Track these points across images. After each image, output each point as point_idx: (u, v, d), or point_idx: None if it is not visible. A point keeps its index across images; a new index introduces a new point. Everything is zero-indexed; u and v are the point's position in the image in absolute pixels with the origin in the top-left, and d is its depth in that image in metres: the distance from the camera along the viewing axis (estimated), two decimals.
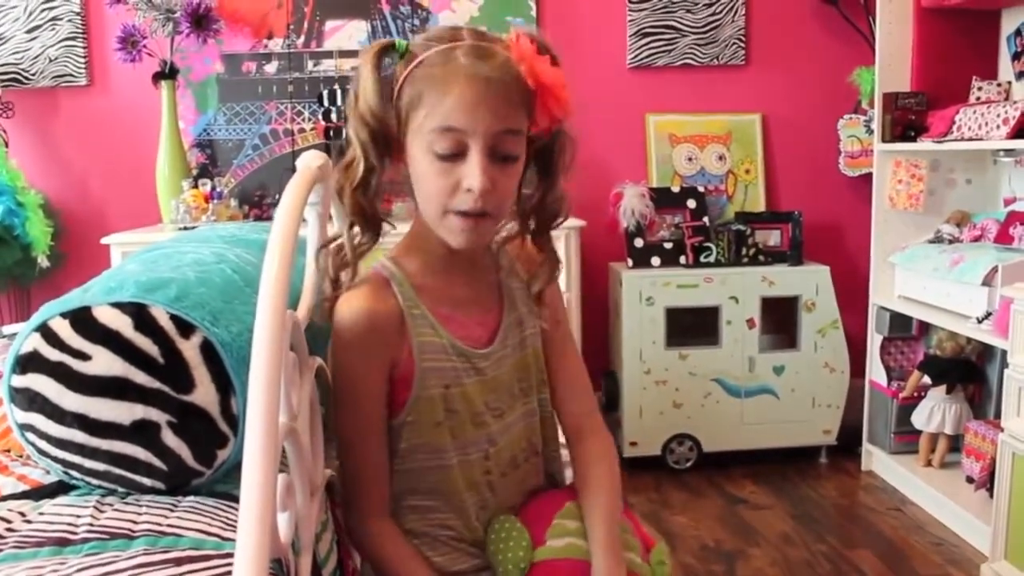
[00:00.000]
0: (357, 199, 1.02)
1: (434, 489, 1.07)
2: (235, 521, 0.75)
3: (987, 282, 2.28)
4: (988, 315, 2.26)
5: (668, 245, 2.89)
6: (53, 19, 2.96)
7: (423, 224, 1.06)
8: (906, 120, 2.66)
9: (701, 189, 3.02)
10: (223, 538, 0.83)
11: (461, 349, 1.06)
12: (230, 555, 0.71)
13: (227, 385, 0.90)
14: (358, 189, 1.02)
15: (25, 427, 0.90)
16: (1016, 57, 2.65)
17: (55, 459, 0.91)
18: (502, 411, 1.10)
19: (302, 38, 3.03)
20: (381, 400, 1.04)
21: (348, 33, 3.04)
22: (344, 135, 1.07)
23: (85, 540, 0.83)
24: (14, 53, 2.96)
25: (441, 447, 1.06)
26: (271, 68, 3.04)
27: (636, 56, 3.11)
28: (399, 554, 1.05)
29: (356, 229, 1.05)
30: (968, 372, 2.67)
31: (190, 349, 0.89)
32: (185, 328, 0.89)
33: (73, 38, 2.97)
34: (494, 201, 0.99)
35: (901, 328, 2.79)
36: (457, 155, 0.97)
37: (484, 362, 1.08)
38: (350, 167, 1.02)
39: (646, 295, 2.81)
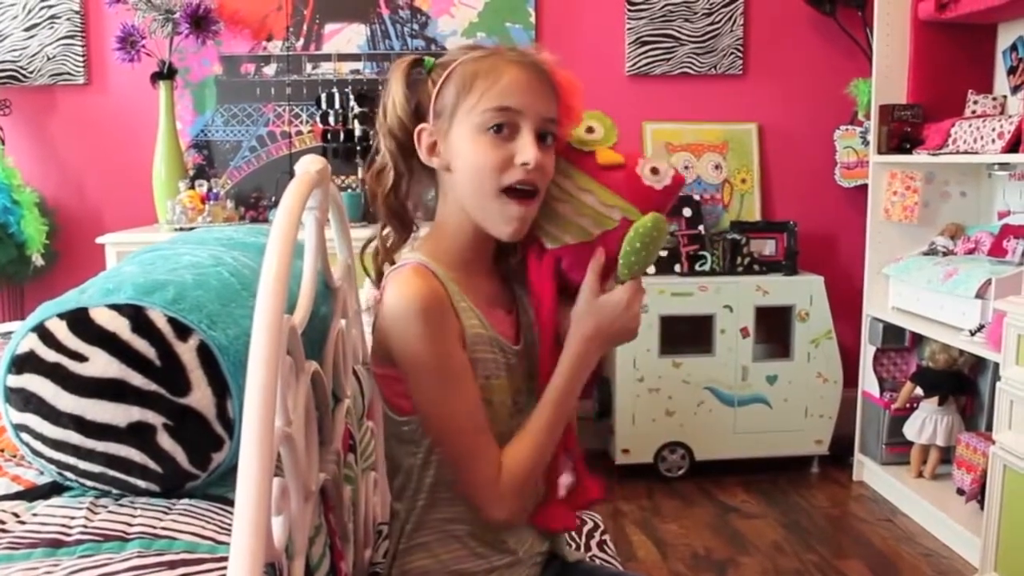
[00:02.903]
0: (390, 203, 1.09)
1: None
2: (230, 525, 0.74)
3: (980, 295, 2.29)
4: (981, 328, 2.27)
5: (663, 253, 2.90)
6: (52, 17, 2.96)
7: (448, 224, 1.09)
8: (902, 132, 2.68)
9: (697, 198, 3.02)
10: (217, 542, 0.83)
11: (501, 343, 1.09)
12: (224, 559, 0.71)
13: (223, 388, 0.89)
14: (390, 194, 1.08)
15: (20, 427, 0.89)
16: (1011, 71, 2.67)
17: (50, 460, 0.90)
18: (521, 408, 1.11)
19: (301, 41, 3.03)
20: (469, 367, 1.03)
21: (347, 36, 3.04)
22: (373, 145, 1.12)
23: (79, 542, 0.82)
24: (12, 50, 2.96)
25: None
26: (269, 70, 3.04)
27: (634, 64, 3.12)
28: (522, 450, 1.05)
29: (387, 230, 1.11)
30: (960, 384, 2.69)
31: (187, 352, 0.88)
32: (182, 331, 0.89)
33: (72, 36, 2.97)
34: (542, 179, 1.04)
35: (894, 339, 2.80)
36: (509, 133, 1.02)
37: (514, 359, 1.10)
38: (381, 174, 1.08)
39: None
